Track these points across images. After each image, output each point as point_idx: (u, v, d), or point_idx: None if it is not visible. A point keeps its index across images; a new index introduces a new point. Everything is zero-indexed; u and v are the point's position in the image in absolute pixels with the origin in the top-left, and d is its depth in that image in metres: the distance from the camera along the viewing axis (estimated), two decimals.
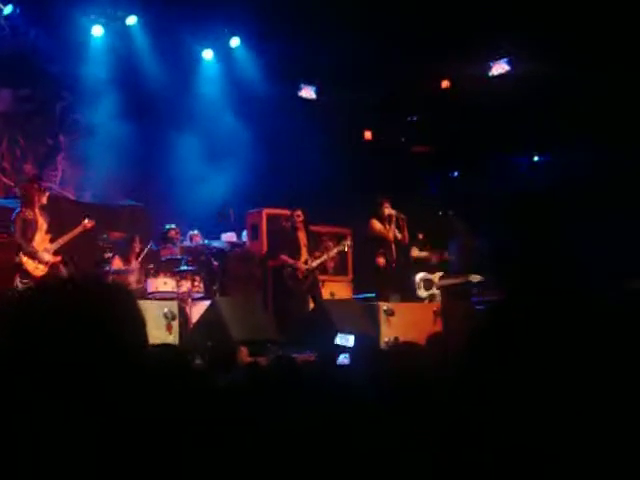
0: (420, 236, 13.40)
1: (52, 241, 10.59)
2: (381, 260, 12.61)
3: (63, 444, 1.59)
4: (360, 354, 5.75)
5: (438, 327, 11.18)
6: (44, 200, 10.70)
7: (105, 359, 1.68)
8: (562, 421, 1.05)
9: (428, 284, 12.96)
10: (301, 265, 12.26)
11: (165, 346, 4.76)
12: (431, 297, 12.93)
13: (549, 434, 1.04)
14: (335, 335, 9.49)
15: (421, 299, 12.80)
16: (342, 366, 6.12)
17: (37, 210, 10.50)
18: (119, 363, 1.70)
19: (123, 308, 1.78)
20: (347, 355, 5.64)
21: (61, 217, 11.67)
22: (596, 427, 1.04)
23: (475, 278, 12.51)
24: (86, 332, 1.68)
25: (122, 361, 1.70)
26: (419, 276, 13.02)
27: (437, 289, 12.92)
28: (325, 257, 12.92)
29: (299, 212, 12.48)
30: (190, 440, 2.00)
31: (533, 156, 15.98)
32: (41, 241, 10.43)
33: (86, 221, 10.90)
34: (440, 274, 12.98)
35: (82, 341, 1.66)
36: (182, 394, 3.91)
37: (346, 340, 9.64)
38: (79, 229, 10.86)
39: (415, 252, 13.28)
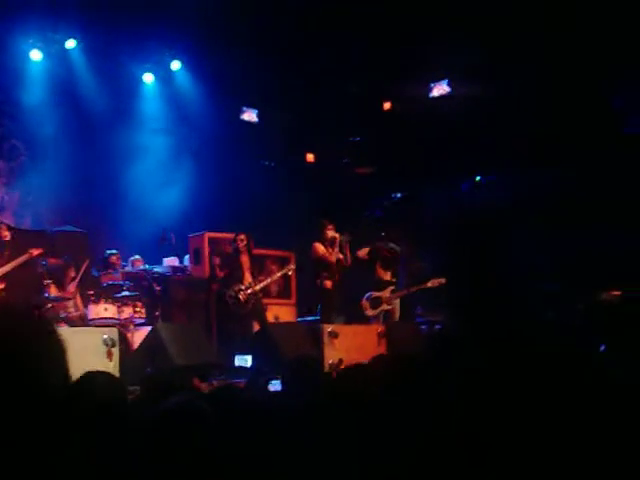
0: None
1: None
2: (328, 283, 12.61)
3: None
4: (298, 379, 5.70)
5: (382, 349, 11.18)
6: None
7: (21, 399, 1.60)
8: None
9: (376, 302, 12.97)
10: (232, 292, 12.21)
11: (100, 374, 4.67)
12: (383, 314, 12.94)
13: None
14: (277, 359, 9.45)
15: (370, 318, 12.79)
16: (274, 393, 6.05)
17: None
18: (37, 402, 1.62)
19: (37, 342, 1.70)
20: (278, 382, 5.58)
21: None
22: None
23: (434, 283, 12.67)
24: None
25: (40, 399, 1.63)
26: (365, 296, 13.04)
27: (388, 304, 12.93)
28: (269, 280, 12.89)
29: (242, 236, 12.44)
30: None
31: (475, 176, 16.09)
32: None
33: (33, 249, 10.78)
34: (391, 288, 13.01)
35: None
36: (115, 427, 3.83)
37: (245, 361, 9.62)
38: (25, 257, 10.74)
39: (382, 274, 13.23)
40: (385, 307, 12.92)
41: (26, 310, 1.80)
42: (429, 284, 12.76)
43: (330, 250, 12.66)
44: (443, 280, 12.76)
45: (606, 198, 12.79)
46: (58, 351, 1.73)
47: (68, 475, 1.63)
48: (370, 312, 12.89)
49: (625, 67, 12.77)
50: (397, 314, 12.97)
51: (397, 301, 13.05)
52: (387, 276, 13.19)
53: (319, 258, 12.68)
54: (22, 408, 1.61)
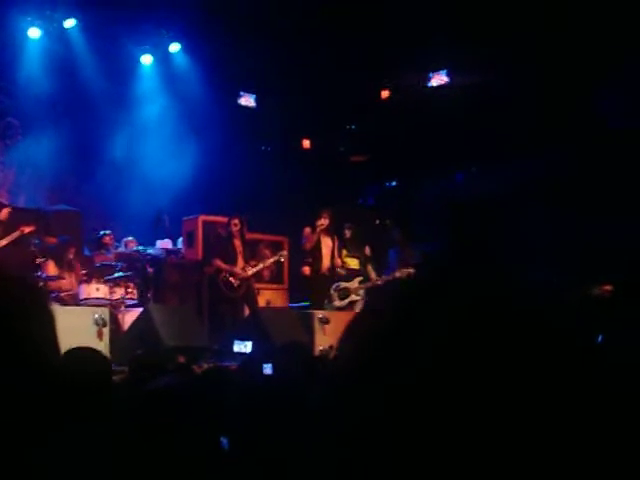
0: (367, 250, 13.28)
1: None
2: (306, 269, 12.66)
3: None
4: (289, 363, 5.72)
5: None
6: None
7: (13, 365, 1.59)
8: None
9: (344, 293, 12.90)
10: (237, 270, 12.21)
11: (86, 349, 4.70)
12: (351, 305, 12.87)
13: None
14: (267, 344, 9.47)
15: (339, 309, 12.69)
16: (266, 376, 6.06)
17: None
18: (24, 366, 1.61)
19: (29, 309, 1.69)
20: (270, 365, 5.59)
21: None
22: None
23: (403, 273, 12.63)
24: None
25: (32, 367, 1.62)
26: (333, 286, 13.00)
27: (357, 295, 12.88)
28: (261, 266, 12.89)
29: (236, 220, 12.41)
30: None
31: (470, 166, 16.10)
32: None
33: (24, 226, 10.73)
34: (359, 279, 12.96)
35: None
36: (98, 403, 3.85)
37: (244, 347, 9.62)
38: (16, 234, 10.67)
39: (349, 262, 13.19)
40: (353, 298, 12.86)
41: (18, 277, 1.79)
42: (397, 274, 12.72)
43: (314, 237, 12.68)
44: (412, 270, 12.73)
45: (602, 189, 12.82)
46: (49, 320, 1.73)
47: (48, 447, 1.63)
48: (338, 303, 12.79)
49: (611, 69, 12.84)
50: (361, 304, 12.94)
51: (363, 292, 13.01)
52: (354, 264, 13.15)
53: (303, 244, 12.78)
54: (13, 374, 1.60)
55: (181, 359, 8.77)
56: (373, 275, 13.02)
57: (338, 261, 12.87)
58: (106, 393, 3.98)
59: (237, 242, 12.40)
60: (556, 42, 12.57)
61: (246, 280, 12.33)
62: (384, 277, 12.82)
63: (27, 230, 10.77)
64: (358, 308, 12.85)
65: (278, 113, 15.45)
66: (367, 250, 13.19)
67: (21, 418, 1.57)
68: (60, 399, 1.74)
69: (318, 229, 12.67)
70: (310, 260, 12.65)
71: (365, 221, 14.21)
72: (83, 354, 4.19)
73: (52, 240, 11.74)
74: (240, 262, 12.33)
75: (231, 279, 12.16)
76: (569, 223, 13.01)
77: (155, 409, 3.77)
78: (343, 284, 12.89)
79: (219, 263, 12.24)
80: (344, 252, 13.07)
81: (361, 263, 13.16)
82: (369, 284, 12.93)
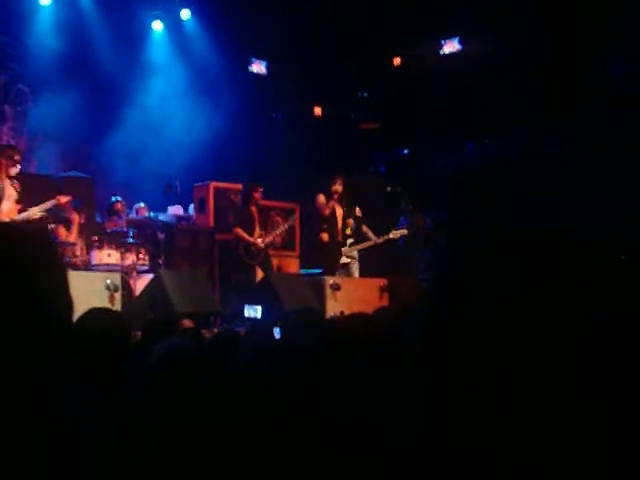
0: (357, 211, 13.11)
1: (20, 212, 10.37)
2: (324, 236, 12.58)
3: None
4: (299, 328, 5.73)
5: (384, 302, 11.23)
6: (12, 172, 10.48)
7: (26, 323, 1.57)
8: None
9: None
10: (258, 242, 12.17)
11: (105, 309, 4.72)
12: (344, 267, 12.78)
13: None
14: (277, 308, 9.50)
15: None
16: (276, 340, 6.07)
17: (5, 179, 10.31)
18: (42, 326, 1.60)
19: (44, 264, 1.66)
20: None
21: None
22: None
23: (396, 234, 12.61)
24: None
25: (45, 324, 1.61)
26: None
27: (347, 257, 12.78)
28: (277, 233, 12.91)
29: (261, 188, 12.33)
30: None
31: (482, 136, 16.02)
32: (8, 211, 10.23)
33: (61, 196, 10.67)
34: (350, 241, 12.83)
35: None
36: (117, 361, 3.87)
37: (254, 311, 9.66)
38: (51, 202, 10.59)
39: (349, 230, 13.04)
40: (343, 260, 12.78)
41: (30, 231, 1.77)
42: (391, 235, 12.69)
43: (330, 203, 12.60)
44: (405, 232, 12.72)
45: (611, 162, 12.74)
46: (60, 273, 1.71)
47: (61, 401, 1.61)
48: None
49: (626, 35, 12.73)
50: (355, 266, 12.83)
51: (355, 254, 12.92)
52: (348, 231, 13.05)
53: (316, 209, 12.69)
54: (26, 333, 1.58)
55: (191, 324, 8.81)
56: (371, 234, 12.90)
57: (350, 222, 12.76)
58: (124, 355, 4.00)
59: (253, 209, 12.35)
60: (570, 7, 12.46)
61: (264, 250, 12.33)
62: (383, 237, 12.75)
63: (63, 200, 10.72)
64: (353, 270, 12.78)
65: (289, 80, 15.40)
66: (357, 211, 13.02)
67: (36, 377, 1.56)
68: (76, 359, 1.73)
69: (334, 195, 12.60)
70: (326, 226, 12.58)
71: (376, 189, 14.16)
72: (103, 314, 4.22)
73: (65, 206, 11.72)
74: (257, 229, 12.30)
75: (252, 248, 12.13)
76: (581, 194, 12.94)
77: (166, 370, 3.79)
78: None
79: (240, 232, 12.17)
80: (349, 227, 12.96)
81: (354, 226, 12.98)
82: (369, 243, 12.80)
